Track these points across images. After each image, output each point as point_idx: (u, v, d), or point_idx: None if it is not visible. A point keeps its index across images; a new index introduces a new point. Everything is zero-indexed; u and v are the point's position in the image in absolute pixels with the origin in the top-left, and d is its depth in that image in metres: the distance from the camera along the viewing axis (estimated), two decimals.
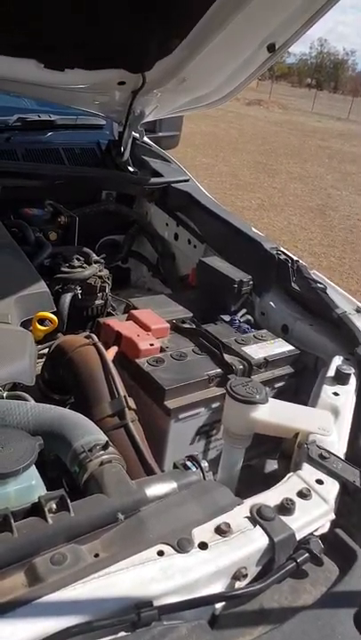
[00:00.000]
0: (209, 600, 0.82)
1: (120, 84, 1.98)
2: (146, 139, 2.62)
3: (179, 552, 0.85)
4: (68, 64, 1.76)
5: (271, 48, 1.78)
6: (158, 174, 2.40)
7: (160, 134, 3.24)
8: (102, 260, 1.85)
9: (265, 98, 27.78)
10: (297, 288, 1.77)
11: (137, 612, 0.75)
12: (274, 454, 1.44)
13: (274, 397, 1.32)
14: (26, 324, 1.36)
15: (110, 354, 1.44)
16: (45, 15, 1.50)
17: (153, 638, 0.73)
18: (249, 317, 1.84)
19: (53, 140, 2.37)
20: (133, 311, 1.66)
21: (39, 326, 1.36)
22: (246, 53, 1.84)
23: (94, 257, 1.83)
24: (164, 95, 2.11)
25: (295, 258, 1.86)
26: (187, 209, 2.28)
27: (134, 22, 1.61)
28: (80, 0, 1.49)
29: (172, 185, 2.34)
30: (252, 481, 1.35)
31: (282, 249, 1.91)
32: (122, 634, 0.74)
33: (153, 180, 2.34)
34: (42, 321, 1.40)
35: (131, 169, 2.41)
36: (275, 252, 1.87)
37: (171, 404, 1.36)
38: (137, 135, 2.46)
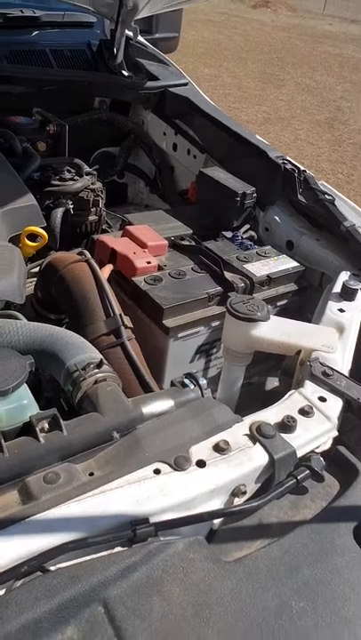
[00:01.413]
0: (206, 516, 0.80)
1: None
2: (141, 38, 2.37)
3: (176, 470, 0.83)
4: None
5: None
6: (155, 77, 2.19)
7: (157, 36, 2.96)
8: (94, 172, 1.72)
9: None
10: (304, 200, 1.65)
11: (133, 529, 0.73)
12: (275, 372, 1.41)
13: (277, 315, 1.26)
14: (14, 241, 1.28)
15: (105, 272, 1.37)
16: None
17: (149, 553, 0.72)
18: (252, 233, 1.75)
19: (39, 41, 2.14)
20: (129, 227, 1.56)
21: (28, 242, 1.28)
22: None
23: (86, 169, 1.70)
24: None
25: (302, 167, 1.73)
26: (186, 116, 2.10)
27: None
28: None
29: (170, 89, 2.14)
30: (252, 399, 1.33)
31: (288, 158, 1.77)
32: (118, 549, 0.74)
33: (149, 83, 2.13)
34: (32, 237, 1.31)
35: (125, 73, 2.20)
36: (280, 162, 1.73)
37: (169, 322, 1.32)
38: (130, 34, 2.22)
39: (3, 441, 0.78)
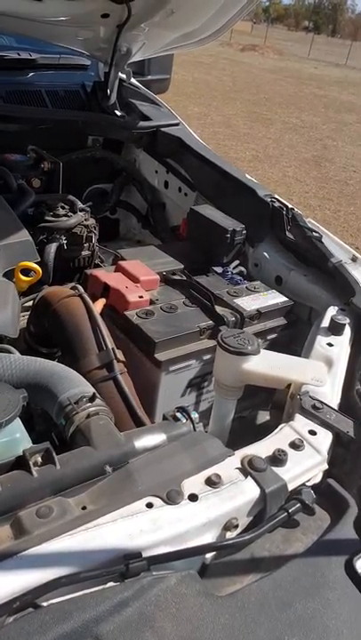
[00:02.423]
0: (198, 550, 0.81)
1: (104, 17, 1.83)
2: (134, 80, 2.47)
3: (168, 504, 0.84)
4: None
5: None
6: (147, 118, 2.27)
7: (149, 77, 3.06)
8: (88, 209, 1.76)
9: (260, 43, 26.56)
10: (292, 237, 1.71)
11: (125, 563, 0.73)
12: (266, 406, 1.43)
13: (267, 349, 1.29)
14: (8, 275, 1.30)
15: (98, 306, 1.39)
16: None
17: (142, 588, 0.72)
18: (242, 269, 1.79)
19: (35, 82, 2.22)
20: (121, 262, 1.60)
21: (22, 277, 1.30)
22: None
23: (80, 205, 1.74)
24: (152, 30, 1.96)
25: (290, 206, 1.79)
26: (177, 155, 2.17)
27: None
28: None
29: (162, 129, 2.22)
30: (244, 433, 1.34)
31: (276, 196, 1.83)
32: (110, 584, 0.73)
33: (141, 123, 2.21)
34: (26, 271, 1.34)
35: (118, 112, 2.27)
36: (269, 200, 1.79)
37: (161, 356, 1.33)
38: (124, 76, 2.31)
39: None
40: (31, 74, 2.18)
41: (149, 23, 1.87)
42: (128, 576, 0.73)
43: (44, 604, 0.68)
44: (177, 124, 2.29)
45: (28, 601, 0.66)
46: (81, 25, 1.90)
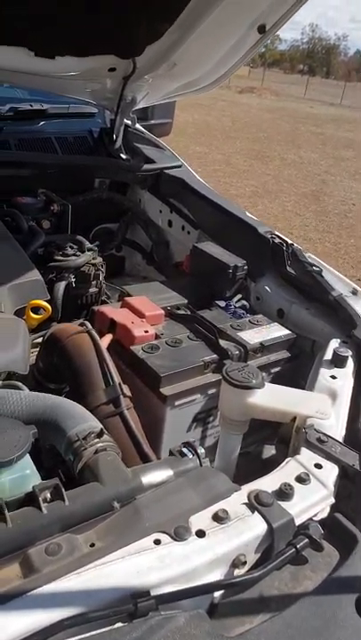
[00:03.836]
0: (207, 588, 0.80)
1: (111, 71, 1.94)
2: (138, 125, 2.58)
3: (176, 540, 0.84)
4: (58, 51, 1.73)
5: (262, 29, 1.74)
6: (151, 161, 2.36)
7: (152, 122, 3.19)
8: (96, 248, 1.82)
9: (257, 85, 27.55)
10: (292, 272, 1.74)
11: (134, 603, 0.73)
12: (272, 440, 1.43)
13: (271, 382, 1.30)
14: (19, 313, 1.34)
15: (105, 341, 1.42)
16: (32, 2, 1.47)
17: (150, 629, 0.72)
18: (244, 303, 1.82)
19: (46, 129, 2.34)
20: (127, 298, 1.63)
21: (33, 315, 1.34)
22: (237, 35, 1.80)
23: (87, 245, 1.80)
24: (155, 81, 2.07)
25: (290, 241, 1.84)
26: (180, 195, 2.25)
27: (123, 7, 1.58)
28: None
29: (165, 171, 2.30)
30: (250, 468, 1.33)
31: (276, 233, 1.88)
32: (118, 624, 0.73)
33: (146, 166, 2.30)
34: (36, 309, 1.37)
35: (123, 156, 2.37)
36: (269, 237, 1.84)
37: (166, 390, 1.35)
38: (129, 122, 2.42)
39: (6, 511, 0.79)
40: (42, 122, 2.30)
41: (153, 75, 1.97)
42: (137, 616, 0.73)
43: None
44: (179, 166, 2.38)
45: None
46: (89, 78, 2.01)
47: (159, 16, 1.68)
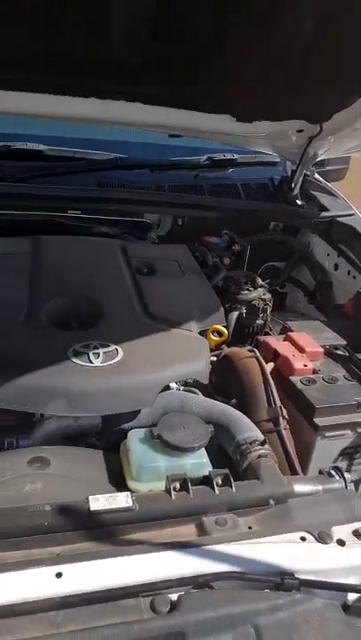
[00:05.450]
0: (347, 587, 0.95)
1: (299, 132, 2.19)
2: (316, 175, 2.78)
3: (319, 542, 1.00)
4: (257, 117, 2.03)
5: None
6: (325, 208, 2.53)
7: (328, 168, 3.35)
8: (266, 285, 2.05)
9: None
10: None
11: (281, 578, 0.91)
12: None
13: None
14: (202, 334, 1.61)
15: (267, 369, 1.62)
16: (247, 77, 1.78)
17: (293, 601, 0.89)
18: None
19: (233, 177, 2.66)
20: (291, 333, 1.82)
21: (213, 337, 1.61)
22: None
23: (260, 282, 2.04)
24: (338, 140, 2.26)
25: None
26: (349, 241, 2.38)
27: (319, 79, 1.81)
28: (280, 61, 1.72)
29: (337, 219, 2.46)
30: None
31: None
32: (266, 591, 0.92)
33: (320, 214, 2.48)
34: (215, 333, 1.64)
35: (299, 202, 2.58)
36: None
37: (319, 421, 1.49)
38: (308, 172, 2.63)
39: (190, 484, 1.04)
40: (231, 170, 2.63)
41: (337, 135, 2.17)
42: (282, 589, 0.91)
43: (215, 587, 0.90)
44: (352, 215, 2.51)
45: (209, 580, 0.88)
46: (278, 138, 2.28)
47: (350, 88, 1.88)
